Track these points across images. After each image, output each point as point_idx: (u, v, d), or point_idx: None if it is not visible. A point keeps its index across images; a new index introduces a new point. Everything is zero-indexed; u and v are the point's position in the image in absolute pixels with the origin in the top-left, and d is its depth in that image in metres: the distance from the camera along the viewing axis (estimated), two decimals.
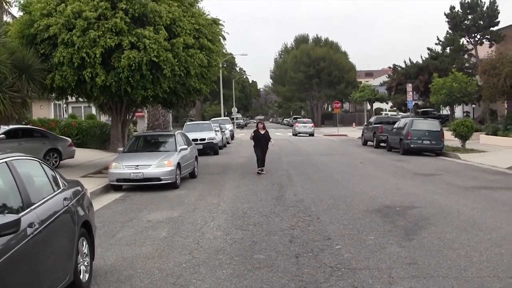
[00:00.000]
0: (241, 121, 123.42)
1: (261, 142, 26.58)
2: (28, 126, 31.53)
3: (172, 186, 21.69)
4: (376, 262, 10.37)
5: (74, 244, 8.66)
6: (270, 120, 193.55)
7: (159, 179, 21.42)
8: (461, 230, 13.05)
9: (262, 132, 26.80)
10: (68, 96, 30.27)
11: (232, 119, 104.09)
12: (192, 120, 77.41)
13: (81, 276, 9.01)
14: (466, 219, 14.48)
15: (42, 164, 8.91)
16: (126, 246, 12.31)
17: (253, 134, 27.05)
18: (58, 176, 9.25)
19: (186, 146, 24.45)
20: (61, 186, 9.10)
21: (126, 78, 24.38)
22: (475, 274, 9.54)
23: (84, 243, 9.37)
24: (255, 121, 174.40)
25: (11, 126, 28.41)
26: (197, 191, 20.96)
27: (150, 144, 24.91)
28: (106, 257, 11.27)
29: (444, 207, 16.25)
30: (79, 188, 10.02)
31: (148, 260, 10.95)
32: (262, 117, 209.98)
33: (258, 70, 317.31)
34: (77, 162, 30.50)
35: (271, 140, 27.31)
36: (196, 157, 26.21)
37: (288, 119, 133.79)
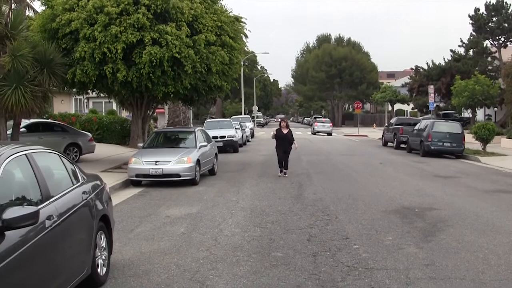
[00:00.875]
0: (262, 119, 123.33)
1: (283, 142, 24.32)
2: (48, 121, 31.70)
3: (191, 182, 21.73)
4: (394, 262, 10.33)
5: (92, 238, 8.69)
6: (291, 119, 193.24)
7: (179, 175, 21.46)
8: (479, 233, 12.98)
9: (285, 131, 24.45)
10: (89, 91, 30.27)
11: (253, 117, 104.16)
12: (212, 118, 77.40)
13: (98, 270, 9.04)
14: (485, 222, 14.40)
15: (62, 158, 8.94)
16: (144, 241, 12.35)
17: (275, 132, 24.59)
18: (77, 170, 9.28)
19: (206, 143, 24.52)
20: (80, 180, 9.12)
21: (147, 74, 24.46)
22: (493, 277, 9.48)
23: (102, 237, 9.40)
24: (276, 119, 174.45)
25: (32, 120, 28.58)
26: (216, 188, 20.97)
27: (170, 141, 24.95)
28: (124, 252, 11.30)
29: (462, 210, 16.16)
30: (98, 182, 10.05)
31: (166, 256, 10.97)
32: (282, 116, 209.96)
33: (280, 69, 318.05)
34: (97, 157, 30.61)
35: (294, 142, 25.04)
36: (216, 154, 26.24)
37: (309, 119, 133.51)
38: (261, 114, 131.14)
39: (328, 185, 21.25)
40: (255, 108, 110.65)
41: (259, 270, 9.91)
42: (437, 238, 12.41)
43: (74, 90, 30.28)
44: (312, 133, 76.71)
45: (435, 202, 17.52)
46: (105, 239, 9.52)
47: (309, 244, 11.80)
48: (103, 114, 52.62)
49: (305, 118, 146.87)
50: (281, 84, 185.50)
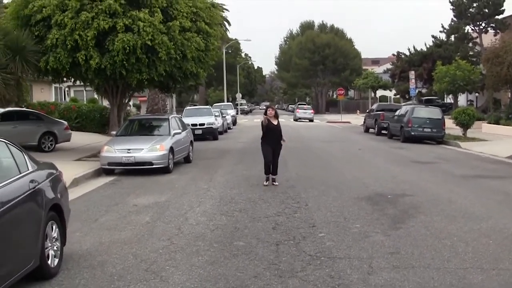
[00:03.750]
0: (246, 107, 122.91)
1: (273, 136, 18.44)
2: (23, 109, 31.15)
3: (164, 170, 21.37)
4: (358, 251, 10.04)
5: (40, 228, 8.35)
6: (276, 107, 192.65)
7: (151, 164, 21.11)
8: (450, 219, 12.70)
9: (275, 122, 18.49)
10: (65, 79, 29.82)
11: (237, 105, 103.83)
12: (196, 105, 77.04)
13: (49, 261, 8.72)
14: (457, 208, 14.13)
15: (9, 145, 8.59)
16: (106, 230, 12.01)
17: (266, 121, 18.28)
18: (26, 158, 8.93)
19: (180, 131, 24.11)
20: (30, 168, 8.78)
21: (121, 61, 24.04)
22: (458, 265, 9.20)
23: (54, 227, 9.07)
24: (261, 107, 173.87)
25: (7, 109, 28.16)
26: (189, 176, 20.66)
27: (144, 128, 24.53)
28: (84, 242, 10.97)
29: (436, 196, 15.91)
30: (51, 171, 9.71)
31: (125, 246, 10.65)
32: (268, 103, 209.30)
33: (264, 56, 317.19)
34: (74, 146, 30.17)
35: (283, 138, 18.84)
36: (191, 141, 25.84)
37: (293, 106, 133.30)
38: (245, 102, 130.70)
39: (303, 172, 20.95)
40: (238, 95, 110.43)
41: (218, 260, 9.60)
42: (406, 225, 12.13)
43: (49, 78, 29.74)
44: (294, 120, 76.83)
45: (409, 188, 17.26)
46: (57, 229, 9.17)
47: (274, 232, 11.50)
48: (84, 102, 52.16)
49: (290, 106, 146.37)
50: (266, 72, 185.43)
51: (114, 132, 24.58)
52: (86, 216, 13.64)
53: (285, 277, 8.64)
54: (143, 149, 21.28)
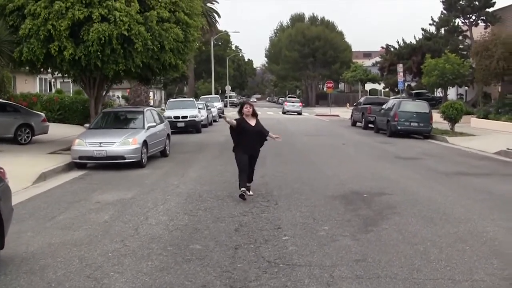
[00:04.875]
0: (235, 99, 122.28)
1: (250, 141, 14.84)
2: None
3: (137, 165, 20.73)
4: (321, 257, 9.30)
5: None
6: (267, 99, 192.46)
7: (123, 158, 20.44)
8: (427, 221, 11.96)
9: (252, 122, 14.85)
10: (42, 70, 29.05)
11: (226, 97, 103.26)
12: (184, 97, 76.40)
13: None
14: (436, 208, 13.40)
15: None
16: (60, 230, 11.32)
17: (233, 122, 14.93)
18: None
19: (155, 124, 23.37)
20: None
21: (96, 52, 23.24)
22: (428, 275, 8.44)
23: None
24: (251, 99, 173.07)
25: None
26: (162, 171, 20.03)
27: (118, 121, 23.77)
28: (32, 243, 10.29)
29: (416, 195, 15.19)
30: None
31: (74, 248, 9.95)
32: (259, 96, 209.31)
33: (255, 49, 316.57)
34: (52, 138, 29.52)
35: (270, 135, 15.13)
36: (168, 135, 25.16)
37: (283, 98, 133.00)
38: (234, 94, 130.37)
39: (280, 168, 20.22)
40: (228, 88, 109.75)
41: (169, 266, 8.88)
42: (378, 228, 11.38)
43: (26, 68, 28.97)
44: (282, 113, 76.24)
45: (388, 186, 16.54)
46: None
47: (235, 234, 10.78)
48: (71, 94, 51.49)
49: (280, 98, 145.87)
50: (257, 64, 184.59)
51: (87, 125, 23.83)
52: (43, 213, 13.00)
53: (236, 287, 7.91)
54: (115, 142, 20.59)
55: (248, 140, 14.73)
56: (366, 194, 15.10)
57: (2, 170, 9.39)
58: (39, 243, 10.32)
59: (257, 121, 14.98)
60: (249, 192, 14.77)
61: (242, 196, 14.28)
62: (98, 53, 23.31)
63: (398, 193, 15.43)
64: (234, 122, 14.86)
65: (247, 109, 14.83)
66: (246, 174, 14.63)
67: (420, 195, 15.22)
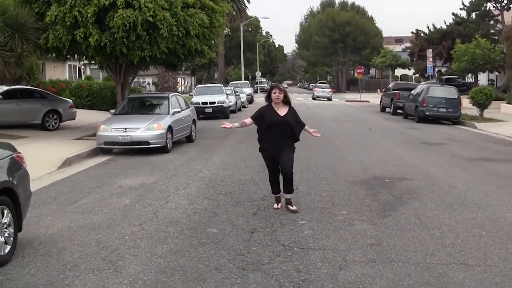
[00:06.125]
0: (266, 85, 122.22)
1: (278, 136, 11.56)
2: (27, 87, 30.77)
3: (162, 150, 20.85)
4: (336, 241, 9.32)
5: None
6: (298, 85, 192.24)
7: (148, 143, 20.56)
8: (446, 206, 11.91)
9: (282, 112, 11.59)
10: (68, 56, 29.19)
11: (256, 83, 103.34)
12: (214, 83, 76.68)
13: None
14: (457, 194, 13.32)
15: None
16: (80, 214, 11.44)
17: (258, 113, 11.93)
18: None
19: (180, 109, 23.45)
20: None
21: (121, 39, 23.36)
22: (442, 260, 8.42)
23: (6, 212, 8.47)
24: (283, 85, 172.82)
25: (12, 87, 27.81)
26: (186, 156, 20.11)
27: (143, 107, 23.92)
28: (51, 227, 10.42)
29: (437, 180, 15.11)
30: (6, 152, 9.08)
31: (93, 231, 10.08)
32: (290, 82, 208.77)
33: (286, 35, 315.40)
34: (79, 124, 29.78)
35: (306, 128, 12.22)
36: (194, 120, 25.25)
37: (314, 84, 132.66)
38: (265, 80, 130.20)
39: (304, 153, 20.11)
40: (258, 73, 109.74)
41: (183, 249, 8.96)
42: (396, 212, 11.36)
43: (53, 55, 29.13)
44: (312, 98, 76.73)
45: (410, 171, 16.46)
46: (9, 214, 8.54)
47: (253, 219, 10.83)
48: (100, 81, 51.86)
49: (311, 84, 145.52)
50: (288, 50, 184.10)
51: (113, 111, 23.99)
52: (65, 198, 13.14)
53: (248, 270, 7.97)
54: (139, 128, 20.71)
55: (273, 135, 11.50)
56: (388, 180, 15.03)
57: (20, 155, 9.49)
58: (58, 226, 10.45)
59: (290, 110, 11.67)
60: (290, 206, 11.56)
61: (277, 202, 11.91)
62: (124, 39, 23.42)
63: (420, 178, 15.35)
64: (258, 113, 11.83)
65: (275, 95, 11.48)
66: (276, 177, 11.85)
67: (442, 180, 15.14)
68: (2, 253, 8.25)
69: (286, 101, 11.61)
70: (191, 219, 10.90)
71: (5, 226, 8.43)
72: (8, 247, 8.46)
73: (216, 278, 7.66)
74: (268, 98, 11.71)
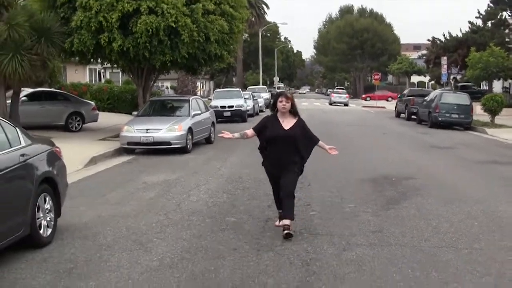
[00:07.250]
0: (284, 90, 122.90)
1: (277, 150, 10.19)
2: (51, 89, 31.81)
3: (183, 150, 21.84)
4: (342, 229, 10.33)
5: (30, 199, 8.79)
6: (316, 91, 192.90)
7: (169, 143, 21.56)
8: (445, 201, 12.85)
9: (287, 125, 10.10)
10: (92, 60, 30.22)
11: (274, 88, 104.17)
12: (231, 88, 77.65)
13: (41, 231, 9.20)
14: (457, 192, 14.28)
15: (1, 122, 9.07)
16: (109, 205, 12.48)
17: (260, 124, 10.49)
18: (20, 134, 9.38)
19: (200, 112, 24.49)
20: (22, 143, 9.24)
21: (144, 43, 24.40)
22: (435, 244, 9.45)
23: (48, 199, 9.53)
24: (301, 91, 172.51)
25: (37, 89, 28.82)
26: (206, 156, 21.11)
27: (164, 109, 25.08)
28: (84, 216, 11.44)
29: (441, 180, 16.06)
30: (46, 146, 10.18)
31: (122, 219, 11.09)
32: (308, 87, 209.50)
33: (304, 40, 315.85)
34: (101, 126, 30.76)
35: (321, 144, 10.92)
36: (213, 123, 26.27)
37: (331, 90, 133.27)
38: (283, 85, 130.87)
39: (319, 155, 21.02)
40: (276, 79, 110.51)
41: (205, 234, 10.00)
42: (399, 206, 12.36)
43: (76, 59, 30.15)
44: (329, 104, 77.75)
45: (417, 172, 17.38)
46: (51, 201, 9.62)
47: (268, 210, 11.84)
48: (120, 84, 52.80)
49: (329, 90, 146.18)
50: (306, 56, 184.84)
51: (135, 113, 25.03)
52: (94, 192, 14.16)
53: (263, 251, 9.01)
54: (161, 129, 21.73)
55: (274, 152, 10.19)
56: (395, 178, 15.99)
57: (58, 149, 10.57)
58: (90, 215, 11.48)
59: (297, 123, 10.14)
60: (287, 230, 9.62)
61: (280, 218, 10.26)
62: (146, 44, 24.45)
63: (425, 178, 16.29)
64: (260, 125, 10.40)
65: (282, 104, 9.96)
66: (279, 196, 10.28)
67: (446, 180, 16.11)
68: (45, 235, 9.32)
69: (294, 111, 10.07)
70: (212, 210, 11.94)
71: (47, 211, 9.50)
72: (50, 230, 9.53)
73: (234, 257, 8.72)
74: (274, 107, 10.23)
